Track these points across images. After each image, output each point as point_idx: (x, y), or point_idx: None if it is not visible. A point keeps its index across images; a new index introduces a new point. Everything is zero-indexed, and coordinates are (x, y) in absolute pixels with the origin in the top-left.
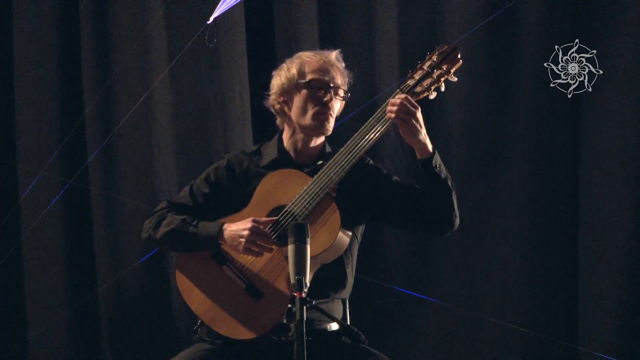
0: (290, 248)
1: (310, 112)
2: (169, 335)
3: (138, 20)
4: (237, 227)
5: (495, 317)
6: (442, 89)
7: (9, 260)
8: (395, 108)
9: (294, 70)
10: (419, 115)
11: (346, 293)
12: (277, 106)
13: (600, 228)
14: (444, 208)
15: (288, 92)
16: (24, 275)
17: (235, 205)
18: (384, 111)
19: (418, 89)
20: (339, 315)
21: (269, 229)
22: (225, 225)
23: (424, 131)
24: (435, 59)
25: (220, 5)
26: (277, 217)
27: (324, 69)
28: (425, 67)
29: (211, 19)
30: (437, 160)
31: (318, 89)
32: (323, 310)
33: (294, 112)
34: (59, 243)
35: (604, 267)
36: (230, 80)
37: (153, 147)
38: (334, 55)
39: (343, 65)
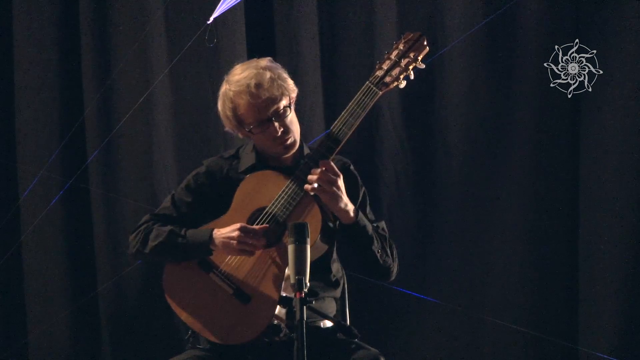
0: (290, 248)
1: (269, 147)
2: (168, 335)
3: (138, 20)
4: (226, 230)
5: (495, 317)
6: (412, 77)
7: (9, 260)
8: (315, 177)
9: (231, 118)
10: (340, 182)
11: (335, 291)
12: (240, 136)
13: (600, 228)
14: (371, 267)
15: (239, 131)
16: (24, 275)
17: (218, 211)
18: (357, 103)
19: (387, 79)
20: (333, 314)
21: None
22: (215, 231)
23: (345, 198)
24: (402, 48)
25: (220, 5)
26: (266, 225)
27: (257, 108)
28: (392, 57)
29: (211, 19)
30: (362, 222)
31: (261, 128)
32: (314, 308)
33: (257, 143)
34: (59, 243)
35: (604, 266)
36: None
37: (153, 147)
38: (260, 76)
39: (274, 70)
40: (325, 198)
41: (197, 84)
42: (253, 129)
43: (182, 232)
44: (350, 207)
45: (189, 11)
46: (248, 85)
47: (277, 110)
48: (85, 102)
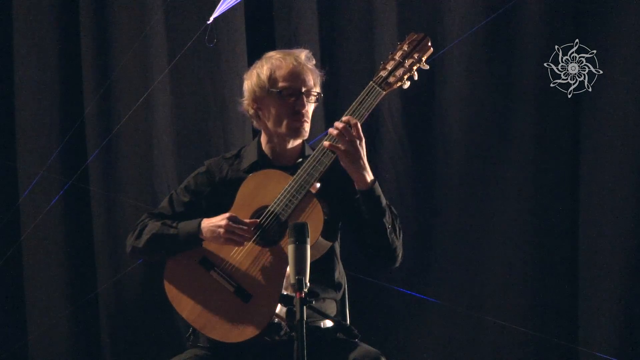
0: (290, 248)
1: (284, 121)
2: (169, 335)
3: (138, 20)
4: (215, 220)
5: (495, 317)
6: (415, 77)
7: (9, 260)
8: (335, 131)
9: (264, 77)
10: (361, 145)
11: (336, 294)
12: (251, 112)
13: (600, 228)
14: (379, 242)
15: (260, 99)
16: (24, 275)
17: (215, 212)
18: (360, 102)
19: (391, 79)
20: (333, 315)
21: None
22: (204, 220)
23: (364, 160)
24: (406, 49)
25: (220, 5)
26: (258, 220)
27: (295, 74)
28: (397, 57)
29: (211, 19)
30: (377, 191)
31: (290, 97)
32: (315, 307)
33: (268, 120)
34: (59, 243)
35: (604, 266)
36: (230, 80)
37: (153, 147)
38: (303, 55)
39: (313, 63)
40: (343, 156)
41: (197, 84)
42: (283, 90)
43: (174, 224)
44: (368, 172)
45: (189, 11)
46: (297, 57)
47: (310, 90)
48: (85, 102)
